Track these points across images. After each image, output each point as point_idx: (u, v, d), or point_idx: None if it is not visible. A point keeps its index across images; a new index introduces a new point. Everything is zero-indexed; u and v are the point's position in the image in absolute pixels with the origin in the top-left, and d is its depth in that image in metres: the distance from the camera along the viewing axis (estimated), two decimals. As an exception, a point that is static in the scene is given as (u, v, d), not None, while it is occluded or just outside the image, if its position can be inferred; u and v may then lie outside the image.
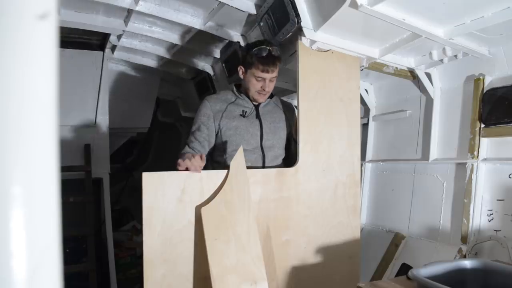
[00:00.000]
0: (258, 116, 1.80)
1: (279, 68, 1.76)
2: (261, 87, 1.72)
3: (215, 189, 1.53)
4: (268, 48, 1.69)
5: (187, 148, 1.72)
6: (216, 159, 1.79)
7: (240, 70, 1.78)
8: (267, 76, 1.70)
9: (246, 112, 1.79)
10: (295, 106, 2.01)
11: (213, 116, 1.75)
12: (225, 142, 1.74)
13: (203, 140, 1.74)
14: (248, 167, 1.60)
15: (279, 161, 1.87)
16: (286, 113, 1.92)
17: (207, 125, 1.75)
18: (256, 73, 1.70)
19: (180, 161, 1.49)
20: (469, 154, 1.90)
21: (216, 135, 1.77)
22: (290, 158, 1.93)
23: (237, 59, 2.45)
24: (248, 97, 1.80)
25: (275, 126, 1.83)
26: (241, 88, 1.83)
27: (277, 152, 1.83)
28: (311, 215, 1.78)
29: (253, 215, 1.54)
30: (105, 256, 3.11)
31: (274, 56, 1.69)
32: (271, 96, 1.88)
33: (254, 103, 1.82)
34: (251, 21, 2.15)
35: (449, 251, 1.89)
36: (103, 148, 3.25)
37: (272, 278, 1.63)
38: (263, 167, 1.76)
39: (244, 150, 1.71)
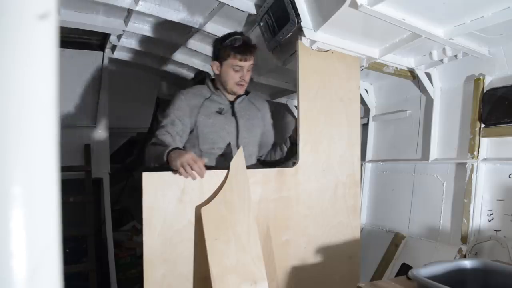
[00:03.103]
0: (234, 113, 1.78)
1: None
2: (240, 78, 1.71)
3: (215, 189, 1.53)
4: (241, 37, 1.70)
5: (154, 139, 1.64)
6: None
7: (214, 65, 1.74)
8: (245, 64, 1.70)
9: (222, 109, 1.76)
10: (295, 106, 2.01)
11: (189, 112, 1.70)
12: (201, 139, 1.71)
13: (176, 134, 1.67)
14: (223, 167, 1.57)
15: (253, 159, 1.86)
16: (261, 110, 1.92)
17: (182, 120, 1.69)
18: (234, 63, 1.68)
19: (181, 169, 1.42)
20: (469, 154, 1.90)
21: (191, 131, 1.72)
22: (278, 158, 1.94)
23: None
24: (223, 93, 1.78)
25: (250, 123, 1.82)
26: (216, 84, 1.80)
27: (251, 150, 1.83)
28: (311, 215, 1.78)
29: (253, 215, 1.54)
30: (105, 256, 3.11)
31: (250, 44, 1.70)
32: (246, 93, 1.86)
33: (230, 99, 1.79)
34: (251, 21, 2.15)
35: (449, 251, 1.89)
36: (103, 148, 3.25)
37: (272, 278, 1.63)
38: None
39: (221, 149, 1.72)
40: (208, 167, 1.53)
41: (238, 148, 1.73)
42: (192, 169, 1.42)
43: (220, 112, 1.75)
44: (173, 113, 1.69)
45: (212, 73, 3.04)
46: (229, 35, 1.73)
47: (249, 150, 1.80)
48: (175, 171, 1.46)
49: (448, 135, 2.09)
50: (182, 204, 1.49)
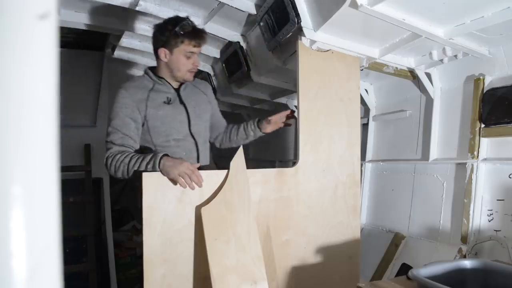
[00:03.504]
0: (181, 101, 1.71)
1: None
2: (192, 64, 1.65)
3: (215, 189, 1.53)
4: (189, 22, 1.61)
5: (115, 147, 1.53)
6: (144, 152, 1.62)
7: (163, 53, 1.63)
8: (198, 50, 1.65)
9: (170, 99, 1.68)
10: (295, 106, 2.01)
11: (137, 107, 1.59)
12: (153, 134, 1.64)
13: (134, 134, 1.58)
14: (182, 158, 1.53)
15: (207, 145, 1.84)
16: (207, 92, 1.88)
17: (133, 117, 1.58)
18: (188, 49, 1.61)
19: (180, 179, 1.41)
20: (469, 154, 1.90)
21: (142, 127, 1.63)
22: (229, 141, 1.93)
23: (237, 58, 2.45)
24: (168, 81, 1.69)
25: (199, 109, 1.77)
26: (158, 72, 1.70)
27: (205, 135, 1.80)
28: (311, 215, 1.78)
29: (253, 215, 1.54)
30: (105, 256, 3.11)
31: (202, 30, 1.65)
32: None
33: (175, 87, 1.72)
34: (251, 21, 2.15)
35: (449, 251, 1.89)
36: (103, 148, 3.24)
37: (272, 278, 1.63)
38: (198, 154, 1.72)
39: (177, 140, 1.67)
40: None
41: (192, 136, 1.71)
42: (191, 179, 1.43)
43: (168, 102, 1.67)
44: (122, 112, 1.57)
45: (211, 73, 3.03)
46: (175, 20, 1.62)
47: (203, 135, 1.77)
48: (171, 179, 1.44)
49: (448, 135, 2.09)
50: (182, 204, 1.49)
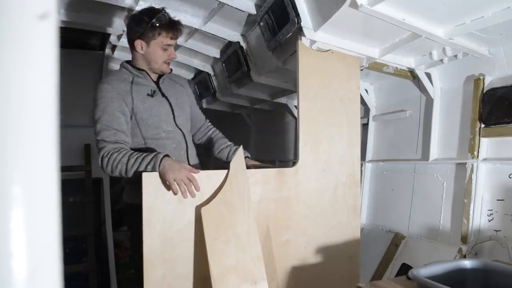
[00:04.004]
0: (162, 93, 1.70)
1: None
2: (168, 56, 1.65)
3: (215, 189, 1.53)
4: (165, 14, 1.59)
5: (109, 145, 1.47)
6: (133, 146, 1.59)
7: (139, 44, 1.60)
8: (174, 43, 1.65)
9: (154, 91, 1.66)
10: (295, 106, 2.01)
11: (123, 100, 1.55)
12: (142, 127, 1.61)
13: (126, 129, 1.54)
14: (171, 155, 1.51)
15: (191, 137, 1.84)
16: (184, 86, 1.88)
17: (121, 110, 1.54)
18: (165, 41, 1.60)
19: (174, 185, 1.39)
20: (469, 154, 1.90)
21: (130, 120, 1.59)
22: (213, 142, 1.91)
23: (237, 58, 2.45)
24: (149, 74, 1.67)
25: (181, 101, 1.78)
26: (137, 64, 1.66)
27: (187, 127, 1.79)
28: (311, 215, 1.78)
29: (253, 215, 1.54)
30: (105, 256, 3.11)
31: (178, 22, 1.64)
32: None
33: (154, 80, 1.70)
34: (251, 21, 2.15)
35: (449, 251, 1.89)
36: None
37: (272, 278, 1.63)
38: (186, 146, 1.72)
39: (167, 132, 1.66)
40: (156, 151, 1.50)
41: (178, 127, 1.70)
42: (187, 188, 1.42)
43: (151, 95, 1.65)
44: (109, 106, 1.51)
45: (211, 73, 3.03)
46: (151, 12, 1.60)
47: (186, 127, 1.77)
48: (164, 181, 1.42)
49: (448, 135, 2.09)
50: (182, 204, 1.49)
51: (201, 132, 1.98)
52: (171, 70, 1.75)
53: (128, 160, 1.44)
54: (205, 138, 1.97)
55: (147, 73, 1.67)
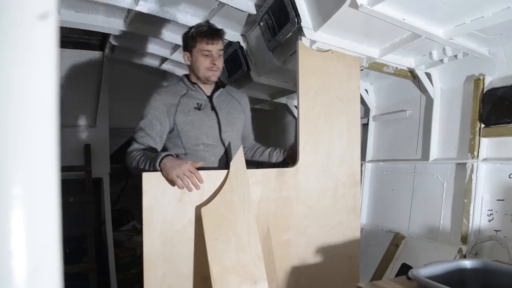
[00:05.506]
0: (213, 107, 1.74)
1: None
2: (210, 62, 1.69)
3: (215, 189, 1.53)
4: (206, 23, 1.71)
5: (135, 145, 1.62)
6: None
7: (185, 56, 1.74)
8: (213, 48, 1.68)
9: (201, 104, 1.72)
10: (295, 106, 2.01)
11: (167, 111, 1.66)
12: (183, 138, 1.68)
13: (156, 135, 1.64)
14: (209, 167, 1.58)
15: None
16: (242, 103, 1.89)
17: (160, 120, 1.65)
18: (202, 47, 1.66)
19: (178, 181, 1.42)
20: (469, 154, 1.90)
21: (171, 131, 1.69)
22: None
23: (237, 58, 2.46)
24: (201, 87, 1.74)
25: (232, 117, 1.79)
26: (192, 78, 1.76)
27: (236, 144, 1.79)
28: (311, 215, 1.78)
29: (253, 215, 1.54)
30: (105, 256, 3.11)
31: (215, 29, 1.70)
32: (223, 85, 1.84)
33: (207, 94, 1.76)
34: (251, 21, 2.15)
35: (449, 251, 1.89)
36: (103, 148, 3.25)
37: (272, 278, 1.63)
38: (227, 161, 1.70)
39: (206, 145, 1.69)
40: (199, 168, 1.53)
41: (222, 142, 1.73)
42: (190, 181, 1.44)
43: (198, 108, 1.71)
44: (150, 113, 1.66)
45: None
46: (196, 24, 1.73)
47: (234, 144, 1.77)
48: (170, 180, 1.45)
49: (448, 135, 2.09)
50: (182, 204, 1.49)
51: (247, 149, 1.99)
52: (221, 81, 1.83)
53: (140, 159, 1.54)
54: (250, 153, 1.99)
55: (199, 86, 1.75)
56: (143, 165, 1.50)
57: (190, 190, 1.46)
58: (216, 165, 1.71)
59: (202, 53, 1.67)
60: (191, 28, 1.72)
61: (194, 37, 1.67)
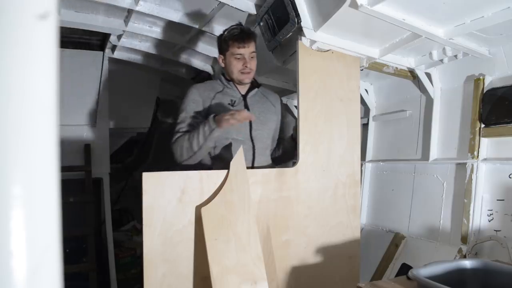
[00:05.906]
0: (246, 106, 1.79)
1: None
2: (243, 65, 1.72)
3: (215, 189, 1.53)
4: (238, 26, 1.75)
5: (178, 135, 1.69)
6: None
7: (220, 58, 1.80)
8: (244, 51, 1.71)
9: (234, 101, 1.78)
10: (295, 106, 2.01)
11: (202, 103, 1.74)
12: None
13: (197, 125, 1.69)
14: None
15: (268, 153, 1.87)
16: (276, 105, 1.93)
17: (198, 111, 1.73)
18: (234, 51, 1.71)
19: (232, 120, 1.52)
20: (469, 154, 1.90)
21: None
22: (283, 155, 1.95)
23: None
24: (235, 86, 1.80)
25: (264, 116, 1.83)
26: (228, 77, 1.82)
27: (266, 143, 1.83)
28: (311, 215, 1.78)
29: (253, 215, 1.54)
30: (105, 256, 3.11)
31: (247, 32, 1.74)
32: (258, 86, 1.88)
33: (242, 93, 1.81)
34: (251, 21, 2.15)
35: (449, 251, 1.89)
36: (103, 148, 3.25)
37: (272, 278, 1.63)
38: (253, 158, 1.75)
39: (235, 140, 1.72)
40: (225, 158, 1.63)
41: (252, 140, 1.76)
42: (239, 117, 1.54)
43: (232, 104, 1.76)
44: (189, 106, 1.73)
45: (211, 73, 3.04)
46: (230, 27, 1.77)
47: (264, 143, 1.82)
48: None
49: (448, 135, 2.09)
50: (182, 204, 1.49)
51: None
52: (256, 81, 1.88)
53: (189, 138, 1.63)
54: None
55: (234, 85, 1.80)
56: (195, 137, 1.59)
57: (252, 119, 1.62)
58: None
59: (235, 57, 1.72)
60: (224, 31, 1.77)
61: (226, 41, 1.72)
